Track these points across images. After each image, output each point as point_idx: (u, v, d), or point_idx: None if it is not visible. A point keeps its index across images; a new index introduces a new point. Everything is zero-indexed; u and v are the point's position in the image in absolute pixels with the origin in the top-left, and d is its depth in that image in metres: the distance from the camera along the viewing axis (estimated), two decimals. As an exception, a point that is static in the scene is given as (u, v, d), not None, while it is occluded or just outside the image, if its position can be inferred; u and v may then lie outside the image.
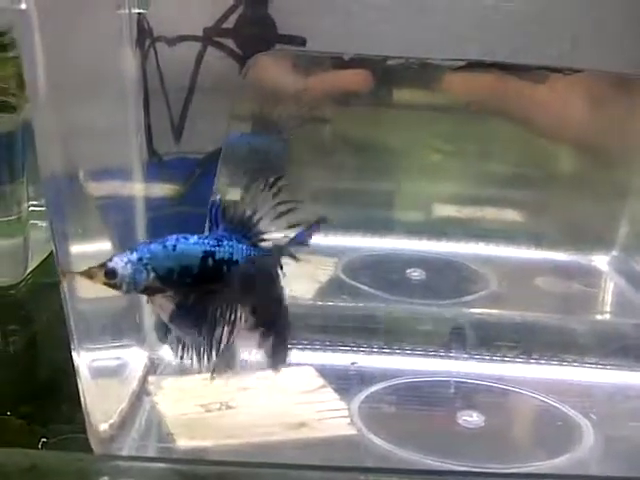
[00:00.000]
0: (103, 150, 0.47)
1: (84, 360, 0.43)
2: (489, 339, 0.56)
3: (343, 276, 0.62)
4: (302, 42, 0.51)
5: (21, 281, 0.65)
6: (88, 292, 0.42)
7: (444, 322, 0.58)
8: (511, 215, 0.65)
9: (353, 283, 0.61)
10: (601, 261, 0.66)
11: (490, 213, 0.65)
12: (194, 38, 0.52)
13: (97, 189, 0.46)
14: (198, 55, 0.52)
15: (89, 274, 0.39)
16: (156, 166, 0.53)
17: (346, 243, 0.65)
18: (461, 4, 0.52)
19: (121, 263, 0.39)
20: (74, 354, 0.42)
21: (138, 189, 0.52)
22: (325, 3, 0.51)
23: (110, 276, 0.39)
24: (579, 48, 0.51)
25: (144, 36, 0.50)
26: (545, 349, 0.55)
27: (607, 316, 0.64)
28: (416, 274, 0.62)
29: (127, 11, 0.49)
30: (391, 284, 0.61)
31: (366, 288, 0.61)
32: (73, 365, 0.43)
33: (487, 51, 0.52)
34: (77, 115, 0.43)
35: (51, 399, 0.50)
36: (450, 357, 0.54)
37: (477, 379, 0.52)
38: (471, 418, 0.48)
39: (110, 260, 0.39)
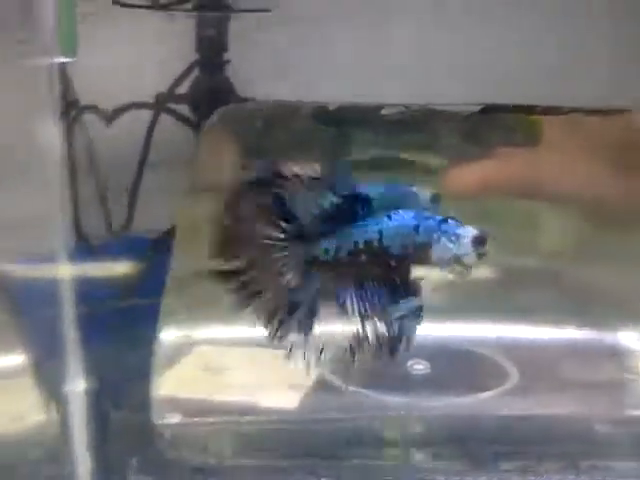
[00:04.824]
0: (21, 235, 0.42)
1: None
2: (521, 449, 0.47)
3: (329, 375, 0.51)
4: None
5: None
6: None
7: (458, 428, 0.49)
8: (525, 292, 0.55)
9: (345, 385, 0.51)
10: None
11: (501, 290, 0.55)
12: (145, 105, 0.50)
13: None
14: (150, 124, 0.49)
15: None
16: (87, 252, 0.48)
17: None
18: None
19: None
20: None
21: (65, 277, 0.43)
22: (286, 65, 0.47)
23: None
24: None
25: (70, 106, 0.46)
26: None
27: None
28: (419, 367, 0.52)
29: (50, 61, 0.41)
30: (388, 382, 0.51)
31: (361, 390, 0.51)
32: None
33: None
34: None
35: None
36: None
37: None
38: None
39: None
